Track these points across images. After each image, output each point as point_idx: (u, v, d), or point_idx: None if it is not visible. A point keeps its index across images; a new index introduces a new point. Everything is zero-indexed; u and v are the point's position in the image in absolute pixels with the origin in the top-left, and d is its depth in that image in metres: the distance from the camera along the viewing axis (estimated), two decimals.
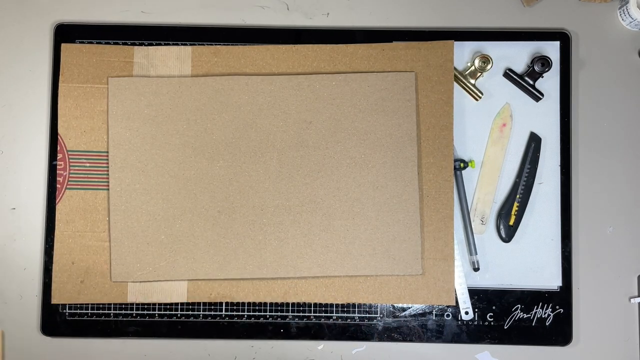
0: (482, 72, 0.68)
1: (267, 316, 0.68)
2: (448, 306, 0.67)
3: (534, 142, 0.68)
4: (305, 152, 0.67)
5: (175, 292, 0.67)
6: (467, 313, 0.67)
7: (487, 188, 0.68)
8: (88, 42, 0.69)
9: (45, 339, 0.68)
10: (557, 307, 0.67)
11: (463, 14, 0.71)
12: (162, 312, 0.67)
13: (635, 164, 0.70)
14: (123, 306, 0.67)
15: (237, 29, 0.70)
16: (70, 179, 0.67)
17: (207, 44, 0.69)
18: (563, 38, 0.69)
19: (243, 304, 0.67)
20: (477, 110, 0.69)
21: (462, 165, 0.68)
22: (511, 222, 0.68)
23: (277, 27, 0.70)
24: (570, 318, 0.67)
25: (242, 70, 0.68)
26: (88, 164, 0.68)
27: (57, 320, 0.67)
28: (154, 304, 0.67)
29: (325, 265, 0.67)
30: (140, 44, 0.69)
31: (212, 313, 0.67)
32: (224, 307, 0.68)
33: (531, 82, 0.68)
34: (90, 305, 0.67)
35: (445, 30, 0.70)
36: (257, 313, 0.67)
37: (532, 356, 0.68)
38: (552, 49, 0.69)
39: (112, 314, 0.67)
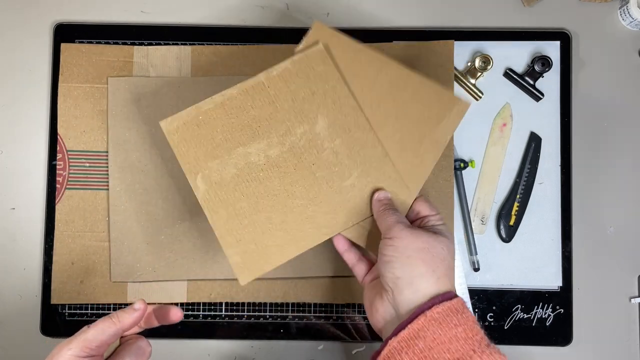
0: (482, 72, 0.68)
1: (267, 316, 0.67)
2: None
3: (534, 142, 0.68)
4: None
5: (175, 292, 0.67)
6: None
7: (487, 188, 0.68)
8: (88, 42, 0.69)
9: (45, 339, 0.68)
10: (558, 307, 0.67)
11: (463, 14, 0.71)
12: None
13: (635, 164, 0.70)
14: (123, 306, 0.67)
15: (237, 29, 0.70)
16: (69, 178, 0.67)
17: (207, 44, 0.69)
18: (563, 38, 0.69)
19: (243, 304, 0.67)
20: (477, 110, 0.69)
21: (462, 165, 0.68)
22: (511, 222, 0.68)
23: (277, 27, 0.70)
24: (571, 318, 0.67)
25: (241, 70, 0.68)
26: (88, 164, 0.67)
27: (57, 320, 0.67)
28: (154, 304, 0.67)
29: (325, 265, 0.67)
30: (140, 44, 0.69)
31: (212, 313, 0.67)
32: (224, 307, 0.67)
33: (531, 82, 0.68)
34: (90, 306, 0.67)
35: (445, 30, 0.70)
36: (257, 313, 0.67)
37: (533, 356, 0.68)
38: (552, 49, 0.69)
39: None
